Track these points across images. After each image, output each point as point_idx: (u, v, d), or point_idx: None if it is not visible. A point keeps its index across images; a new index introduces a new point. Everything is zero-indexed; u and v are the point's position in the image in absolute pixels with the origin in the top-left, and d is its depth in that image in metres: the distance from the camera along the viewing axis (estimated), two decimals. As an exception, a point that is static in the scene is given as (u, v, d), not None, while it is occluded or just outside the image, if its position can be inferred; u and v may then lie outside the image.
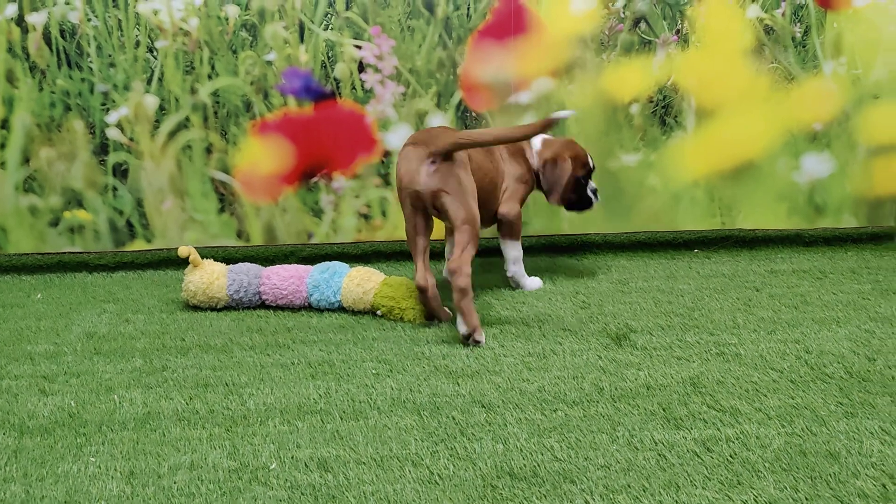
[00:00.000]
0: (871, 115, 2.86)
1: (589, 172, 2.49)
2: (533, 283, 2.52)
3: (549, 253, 2.96)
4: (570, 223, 2.89)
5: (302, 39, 2.68)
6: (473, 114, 2.79)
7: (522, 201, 2.48)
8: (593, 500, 1.28)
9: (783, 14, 2.78)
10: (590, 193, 2.49)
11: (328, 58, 2.70)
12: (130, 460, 1.42)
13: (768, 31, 2.79)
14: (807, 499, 1.27)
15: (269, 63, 2.69)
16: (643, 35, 2.78)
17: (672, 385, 1.73)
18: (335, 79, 2.72)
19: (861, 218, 2.97)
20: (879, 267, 2.68)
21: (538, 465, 1.39)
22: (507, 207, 2.41)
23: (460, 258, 2.01)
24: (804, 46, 2.81)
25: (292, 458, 1.43)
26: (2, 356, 1.95)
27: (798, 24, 2.79)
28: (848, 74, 2.83)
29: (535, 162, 2.49)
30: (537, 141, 2.50)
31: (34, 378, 1.81)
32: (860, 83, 2.85)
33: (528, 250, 2.93)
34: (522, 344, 2.00)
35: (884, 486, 1.30)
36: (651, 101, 2.82)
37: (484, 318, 2.19)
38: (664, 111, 2.83)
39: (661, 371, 1.81)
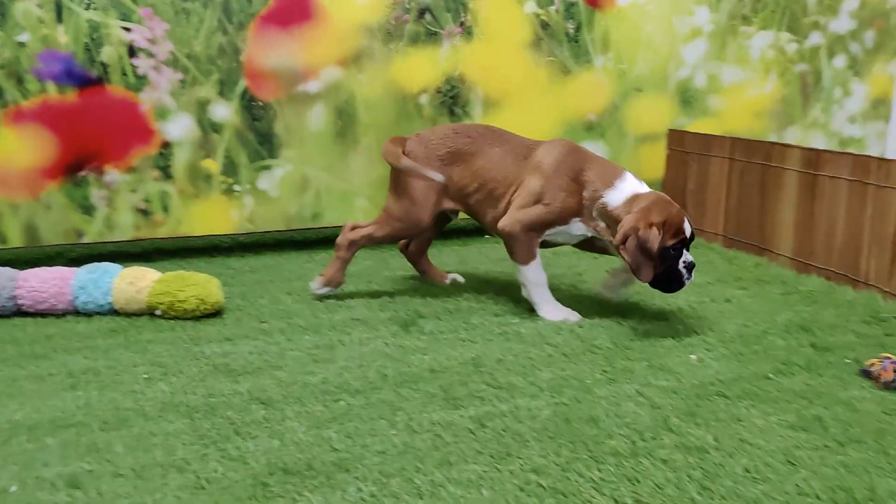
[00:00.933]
0: (635, 107, 3.12)
1: (684, 242, 1.93)
2: (553, 312, 2.09)
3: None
4: (364, 213, 2.88)
5: (60, 19, 2.43)
6: (260, 103, 2.69)
7: (536, 227, 2.05)
8: (366, 486, 1.27)
9: (556, 10, 2.94)
10: (682, 268, 1.93)
11: (92, 40, 2.47)
12: None
13: (544, 26, 2.94)
14: (567, 462, 1.34)
15: (22, 45, 2.42)
16: (429, 26, 2.82)
17: (455, 367, 1.76)
18: (102, 63, 2.50)
19: (633, 201, 3.22)
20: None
21: (314, 458, 1.36)
22: (506, 220, 2.08)
23: (361, 229, 2.27)
24: (577, 42, 2.99)
25: (37, 477, 1.29)
26: None
27: (570, 21, 2.97)
28: (615, 69, 3.06)
29: (600, 212, 2.00)
30: (622, 192, 1.97)
31: None
32: (626, 77, 3.09)
33: (322, 243, 2.89)
34: (311, 337, 1.95)
35: (633, 442, 1.40)
36: (440, 92, 2.88)
37: (272, 314, 2.12)
38: (452, 101, 2.90)
39: (445, 354, 1.84)
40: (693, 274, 1.95)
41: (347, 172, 2.82)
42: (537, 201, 2.05)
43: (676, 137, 3.15)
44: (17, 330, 1.99)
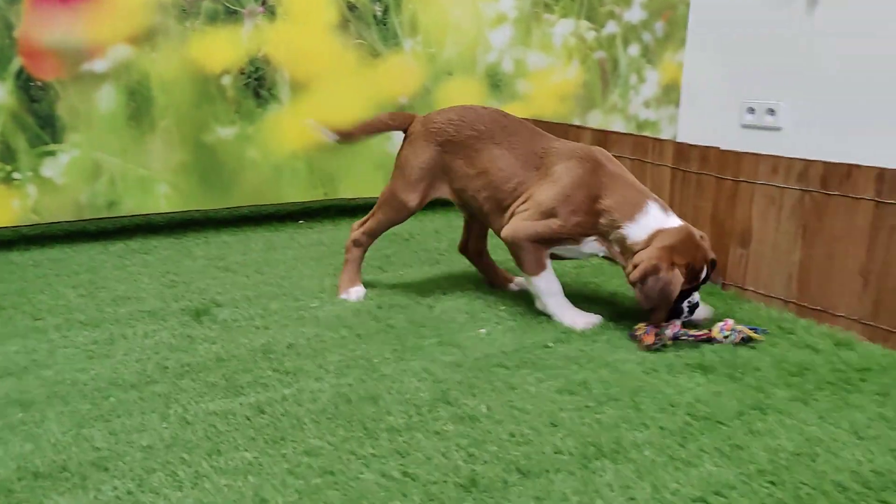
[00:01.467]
0: (447, 90, 3.17)
1: (698, 284, 1.83)
2: (575, 319, 1.92)
3: (143, 234, 2.78)
4: (167, 200, 2.74)
5: None
6: (38, 83, 2.47)
7: (543, 241, 1.89)
8: (123, 483, 1.21)
9: (363, -8, 2.93)
10: (684, 305, 1.82)
11: None
12: None
13: (351, 7, 2.92)
14: (342, 441, 1.34)
15: None
16: (228, 4, 2.71)
17: (242, 354, 1.72)
18: None
19: (447, 184, 3.29)
20: (459, 226, 2.99)
21: (69, 459, 1.27)
22: (510, 230, 1.91)
23: (361, 225, 2.16)
24: (385, 25, 3.00)
25: None
26: None
27: (378, 3, 2.97)
28: (424, 52, 3.10)
29: (618, 241, 1.84)
30: (644, 228, 1.80)
31: None
32: (436, 60, 3.13)
33: (120, 233, 2.72)
34: (89, 332, 1.83)
35: (410, 417, 1.43)
36: (243, 73, 2.78)
37: (50, 310, 1.97)
38: (258, 83, 2.81)
39: (235, 342, 1.79)
40: (693, 312, 1.84)
41: (145, 157, 2.67)
42: (548, 217, 1.88)
43: (486, 120, 3.24)
44: None
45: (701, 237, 1.82)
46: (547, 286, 1.95)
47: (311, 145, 2.95)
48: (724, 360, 1.69)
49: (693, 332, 1.78)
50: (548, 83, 3.42)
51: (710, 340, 1.78)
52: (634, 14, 3.56)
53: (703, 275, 1.81)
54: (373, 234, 2.15)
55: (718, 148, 2.20)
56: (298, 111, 2.90)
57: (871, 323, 1.81)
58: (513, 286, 2.22)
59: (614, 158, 1.97)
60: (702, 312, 1.92)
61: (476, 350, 1.75)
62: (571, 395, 1.53)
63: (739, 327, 1.76)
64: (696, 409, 1.47)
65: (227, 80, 2.76)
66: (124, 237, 2.70)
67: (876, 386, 1.57)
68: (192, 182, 2.75)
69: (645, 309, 1.79)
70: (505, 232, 1.93)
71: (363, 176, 3.08)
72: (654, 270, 1.73)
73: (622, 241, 1.84)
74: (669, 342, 1.76)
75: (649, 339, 1.74)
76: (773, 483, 1.22)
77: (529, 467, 1.26)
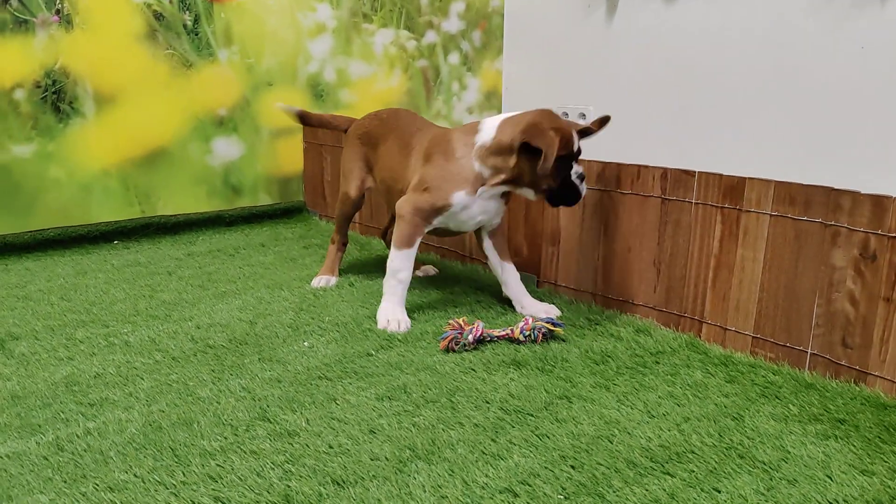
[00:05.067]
0: (267, 101, 3.12)
1: (574, 153, 1.91)
2: (388, 314, 1.98)
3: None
4: (-44, 227, 2.49)
5: None
6: None
7: (422, 213, 1.96)
8: None
9: (171, 2, 2.82)
10: (576, 179, 1.91)
11: None
12: None
13: (158, 17, 2.79)
14: (149, 472, 1.28)
15: None
16: (17, 13, 2.51)
17: (42, 389, 1.60)
18: None
19: (274, 195, 3.24)
20: (286, 238, 2.96)
21: None
22: (398, 203, 2.02)
23: None
24: (197, 34, 2.90)
25: None
26: None
27: (188, 13, 2.86)
28: (242, 62, 3.03)
29: (475, 159, 1.95)
30: (491, 125, 1.96)
31: None
32: (255, 71, 3.07)
33: None
34: None
35: (225, 438, 1.39)
36: (39, 86, 2.58)
37: None
38: (56, 97, 2.62)
39: (35, 377, 1.66)
40: (585, 185, 1.95)
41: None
42: (424, 191, 1.97)
43: (310, 131, 3.22)
44: None
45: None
46: (399, 265, 1.99)
47: (124, 161, 2.79)
48: (536, 354, 1.78)
49: (497, 332, 1.86)
50: (371, 91, 3.45)
51: (513, 340, 1.86)
52: (452, 24, 3.67)
53: (576, 144, 1.90)
54: (338, 230, 2.39)
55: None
56: (106, 125, 2.74)
57: (665, 309, 1.98)
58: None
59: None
60: (539, 309, 2.05)
61: (298, 364, 1.74)
62: (391, 400, 1.55)
63: (539, 324, 1.86)
64: (509, 403, 1.54)
65: (20, 94, 2.55)
66: None
67: (667, 367, 1.73)
68: (-15, 205, 2.52)
69: (541, 189, 1.91)
70: (396, 206, 2.04)
71: (183, 191, 2.96)
72: (532, 128, 1.85)
73: (484, 155, 1.94)
74: (472, 346, 1.82)
75: (442, 345, 1.80)
76: (573, 467, 1.30)
77: (346, 477, 1.27)
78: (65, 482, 1.26)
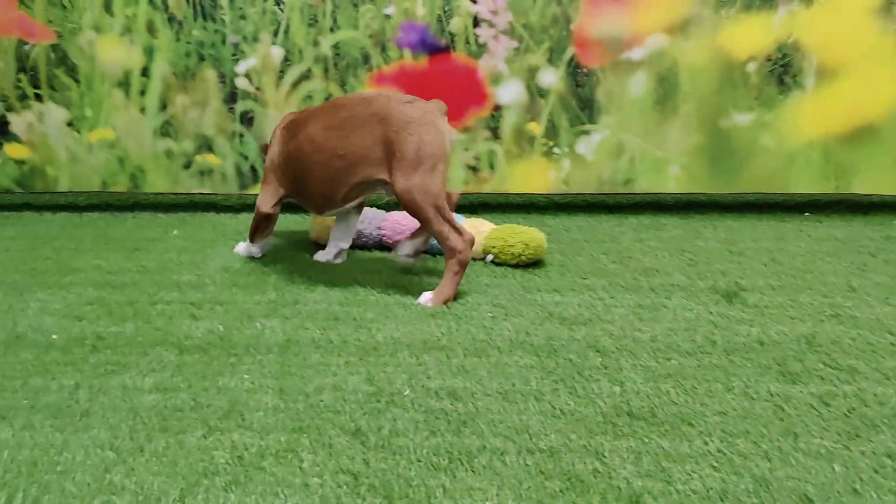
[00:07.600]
0: None
1: None
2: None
3: (653, 210, 2.98)
4: (676, 181, 2.89)
5: (420, -7, 2.75)
6: (584, 70, 2.80)
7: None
8: (712, 441, 1.35)
9: (918, -31, 2.66)
10: None
11: (444, 12, 2.76)
12: (279, 379, 1.57)
13: (900, -13, 2.67)
14: None
15: (388, 17, 2.77)
16: (764, -9, 2.71)
17: (786, 342, 1.75)
18: (450, 33, 2.78)
19: None
20: None
21: (656, 407, 1.46)
22: None
23: None
24: (939, 4, 2.68)
25: (423, 387, 1.55)
26: (153, 283, 2.15)
27: (934, -19, 2.66)
28: None
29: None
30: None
31: (184, 304, 1.99)
32: None
33: (633, 208, 2.96)
34: (631, 296, 2.05)
35: None
36: (769, 60, 2.77)
37: (591, 271, 2.25)
38: (783, 70, 2.77)
39: (774, 329, 1.83)
40: None
41: (663, 140, 2.85)
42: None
43: None
44: (380, 263, 2.34)
45: None
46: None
47: (829, 135, 2.81)
48: None
49: None
50: None
51: None
52: None
53: None
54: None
55: None
56: (821, 98, 2.78)
57: None
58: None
59: None
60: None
61: None
62: None
63: None
64: None
65: (751, 67, 2.78)
66: (637, 213, 2.94)
67: None
68: (702, 165, 2.86)
69: None
70: None
71: (882, 171, 2.83)
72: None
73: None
74: None
75: None
76: None
77: None
78: (839, 435, 1.36)
